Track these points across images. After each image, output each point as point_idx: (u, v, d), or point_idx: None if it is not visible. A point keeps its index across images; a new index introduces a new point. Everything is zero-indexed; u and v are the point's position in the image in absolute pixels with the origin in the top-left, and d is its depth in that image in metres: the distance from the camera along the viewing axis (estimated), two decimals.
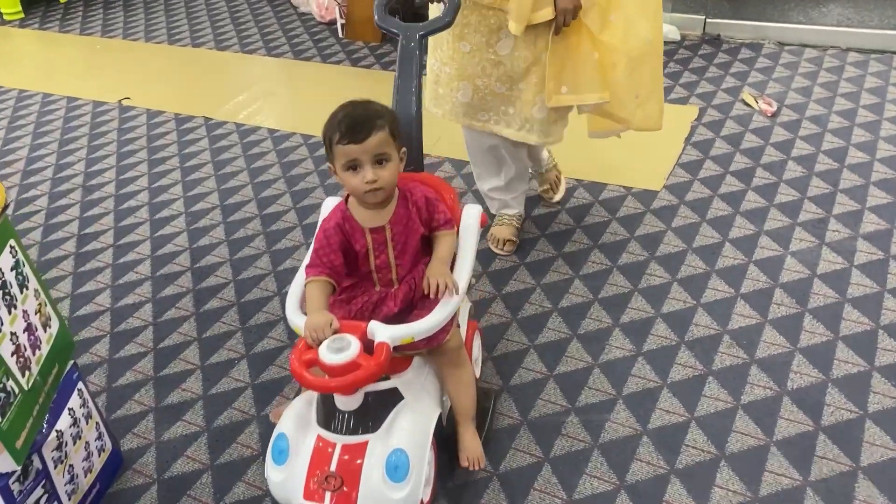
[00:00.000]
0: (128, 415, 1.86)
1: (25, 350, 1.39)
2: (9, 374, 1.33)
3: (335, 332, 1.32)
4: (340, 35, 4.07)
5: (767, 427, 1.68)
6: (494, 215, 2.38)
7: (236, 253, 2.43)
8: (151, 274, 2.36)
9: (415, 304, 1.50)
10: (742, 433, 1.67)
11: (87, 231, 2.60)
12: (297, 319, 1.40)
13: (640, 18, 1.91)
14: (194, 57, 4.03)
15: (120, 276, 2.36)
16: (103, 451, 1.65)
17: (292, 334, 2.02)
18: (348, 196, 1.49)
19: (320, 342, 1.30)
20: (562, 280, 2.17)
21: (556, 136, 2.07)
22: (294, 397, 1.62)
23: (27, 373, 1.39)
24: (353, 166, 1.38)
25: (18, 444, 1.34)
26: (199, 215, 2.65)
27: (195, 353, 2.04)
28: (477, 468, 1.60)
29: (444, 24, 1.77)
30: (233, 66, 3.91)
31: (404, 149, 1.47)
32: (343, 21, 4.03)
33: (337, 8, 4.02)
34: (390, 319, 1.44)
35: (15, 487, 1.36)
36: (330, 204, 1.61)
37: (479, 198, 2.46)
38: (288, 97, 3.62)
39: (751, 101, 3.03)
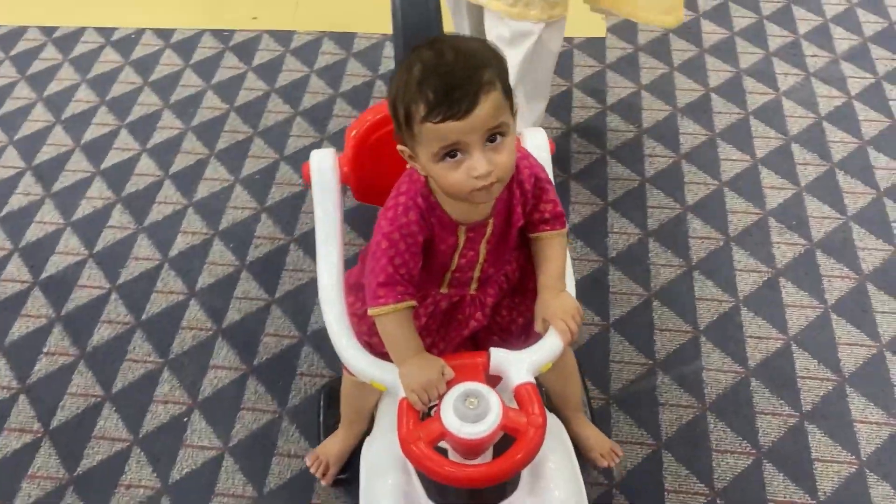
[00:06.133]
0: None
1: None
2: None
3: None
4: None
5: None
6: None
7: None
8: None
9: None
10: None
11: None
12: (378, 371, 0.94)
13: None
14: None
15: None
16: None
17: None
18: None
19: (431, 402, 0.89)
20: None
21: (563, 7, 1.53)
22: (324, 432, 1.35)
23: None
24: (452, 153, 0.86)
25: None
26: None
27: None
28: (616, 461, 1.31)
29: None
30: None
31: (517, 105, 0.92)
32: None
33: None
34: (470, 339, 1.08)
35: None
36: (323, 162, 1.12)
37: None
38: None
39: None
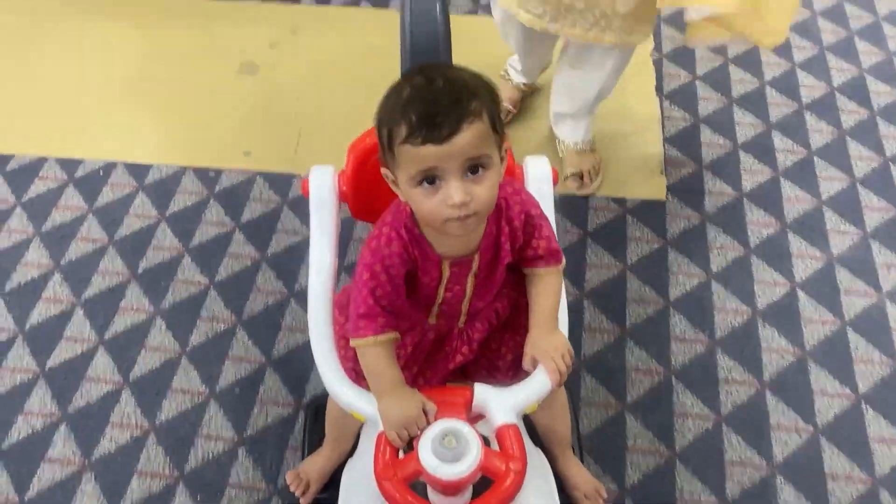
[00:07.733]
0: None
1: None
2: None
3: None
4: None
5: None
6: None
7: None
8: None
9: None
10: None
11: None
12: (360, 402, 0.94)
13: None
14: None
15: None
16: None
17: None
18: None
19: (411, 438, 0.88)
20: None
21: (642, 35, 1.55)
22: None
23: None
24: (430, 179, 0.85)
25: None
26: None
27: None
28: (601, 503, 1.28)
29: None
30: None
31: (507, 144, 0.92)
32: None
33: None
34: (458, 370, 1.08)
35: None
36: (322, 178, 1.14)
37: None
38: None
39: None
